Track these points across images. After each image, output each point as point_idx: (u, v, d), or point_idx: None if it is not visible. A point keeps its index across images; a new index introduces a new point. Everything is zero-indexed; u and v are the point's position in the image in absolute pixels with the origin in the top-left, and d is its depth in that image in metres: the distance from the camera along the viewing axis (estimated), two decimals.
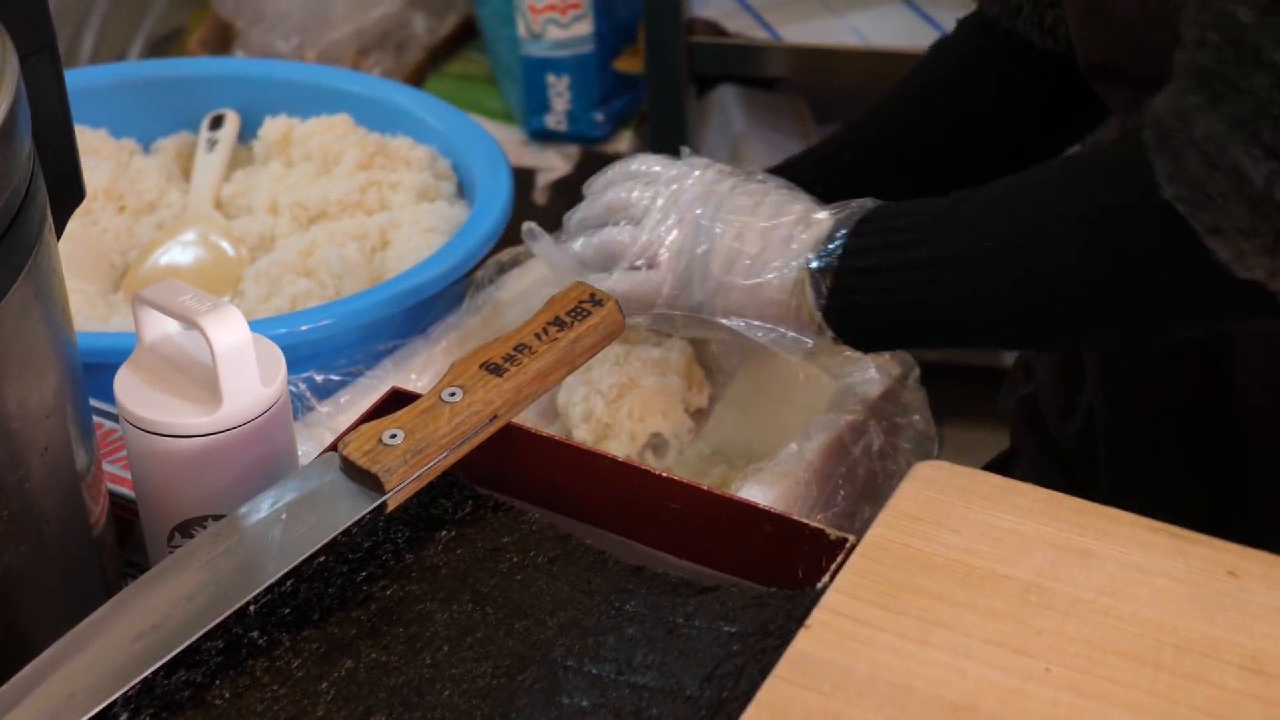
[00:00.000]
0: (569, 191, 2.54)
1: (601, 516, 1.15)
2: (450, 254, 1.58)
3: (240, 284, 1.68)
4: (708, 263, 1.24)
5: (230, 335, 1.08)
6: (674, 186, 1.28)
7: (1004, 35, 1.46)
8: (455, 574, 1.08)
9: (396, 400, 1.13)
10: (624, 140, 2.67)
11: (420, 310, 1.51)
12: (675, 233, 1.26)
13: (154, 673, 0.97)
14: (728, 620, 1.03)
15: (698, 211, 1.26)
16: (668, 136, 2.55)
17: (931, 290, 1.21)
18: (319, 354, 1.44)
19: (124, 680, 0.95)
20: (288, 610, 1.04)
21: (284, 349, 1.20)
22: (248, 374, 1.10)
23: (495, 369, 1.11)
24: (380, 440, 1.05)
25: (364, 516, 1.04)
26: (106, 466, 1.25)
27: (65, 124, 1.19)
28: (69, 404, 1.10)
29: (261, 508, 1.06)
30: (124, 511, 1.22)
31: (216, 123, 1.91)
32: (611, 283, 1.27)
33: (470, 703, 0.98)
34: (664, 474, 1.13)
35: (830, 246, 1.22)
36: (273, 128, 1.87)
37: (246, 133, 1.92)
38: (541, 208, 2.65)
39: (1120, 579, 1.00)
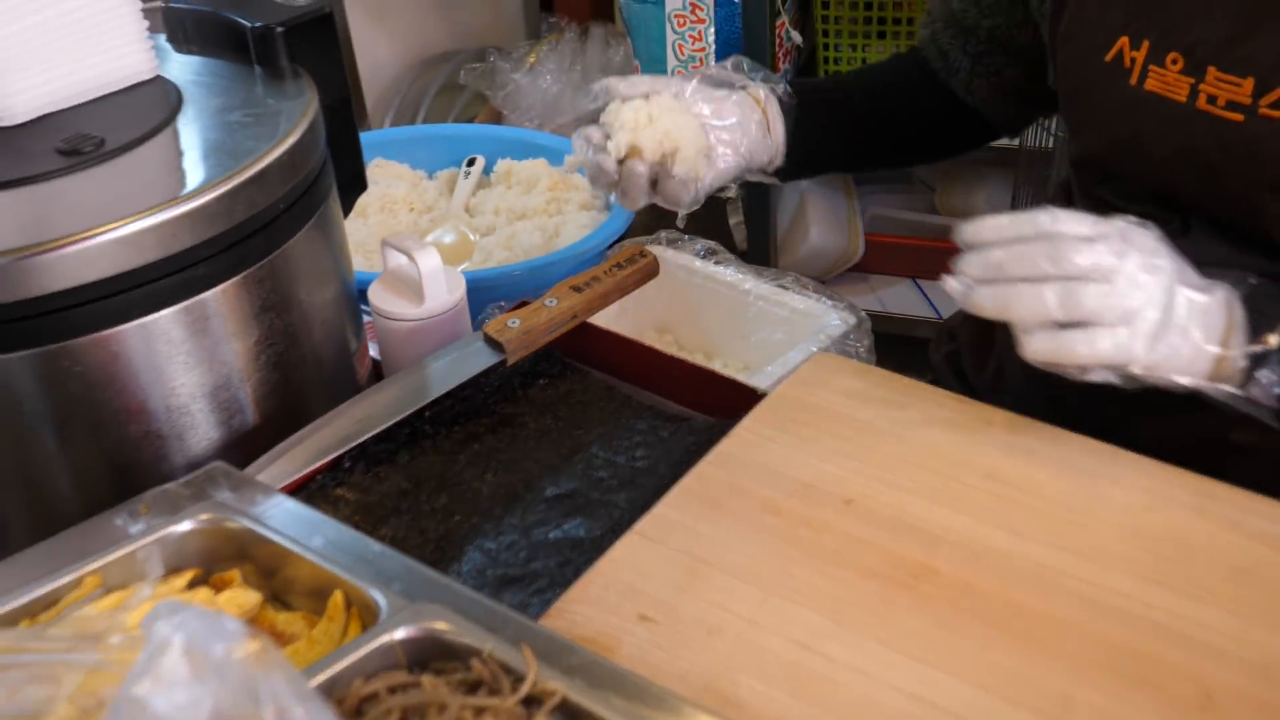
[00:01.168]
0: (698, 220, 2.59)
1: (634, 377, 1.27)
2: (588, 242, 1.73)
3: (473, 253, 1.85)
4: (1187, 328, 0.93)
5: (429, 262, 1.24)
6: (1132, 248, 0.93)
7: (935, 78, 1.40)
8: (544, 403, 1.23)
9: (522, 305, 1.27)
10: (732, 190, 2.58)
11: (570, 271, 1.59)
12: (1146, 295, 0.93)
13: (367, 440, 1.14)
14: (692, 434, 1.17)
15: (1159, 275, 0.93)
16: (760, 192, 2.58)
17: None
18: (513, 292, 1.49)
19: (352, 440, 1.13)
20: (445, 415, 1.21)
21: (485, 286, 1.36)
22: (438, 286, 1.25)
23: (577, 289, 1.25)
24: (506, 324, 1.21)
25: (493, 366, 1.19)
26: (371, 345, 1.36)
27: (354, 144, 1.32)
28: (344, 304, 1.21)
29: (438, 359, 1.22)
30: (378, 369, 1.35)
31: (471, 162, 2.08)
32: (1093, 345, 0.93)
33: (540, 469, 1.14)
34: (670, 354, 1.26)
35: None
36: (501, 165, 2.05)
37: (487, 169, 2.08)
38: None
39: (935, 423, 1.09)
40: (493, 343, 1.20)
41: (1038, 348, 0.95)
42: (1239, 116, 1.03)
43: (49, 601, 0.88)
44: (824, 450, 1.07)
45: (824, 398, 1.13)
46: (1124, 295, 0.92)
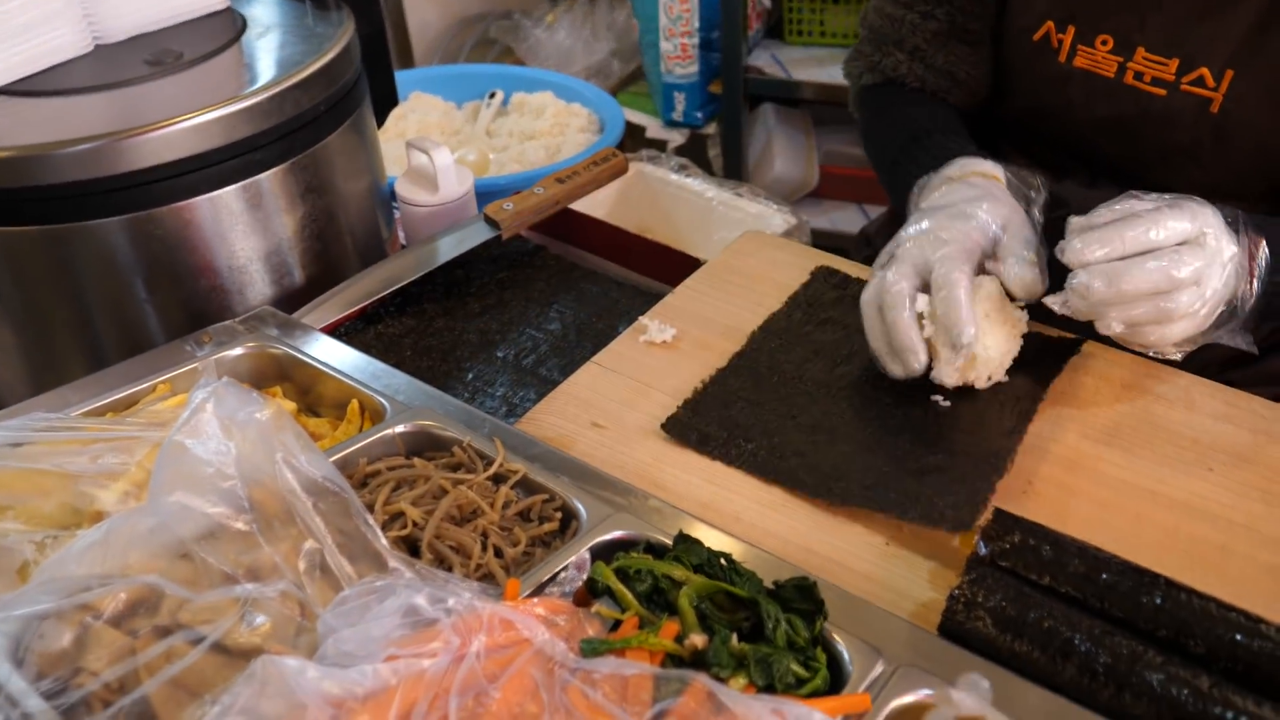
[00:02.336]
0: (684, 151, 2.60)
1: (609, 254, 1.29)
2: (580, 158, 1.70)
3: (489, 168, 1.86)
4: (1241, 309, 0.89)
5: (443, 158, 1.26)
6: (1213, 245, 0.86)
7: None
8: (538, 274, 1.25)
9: (517, 195, 1.27)
10: (711, 127, 2.66)
11: None
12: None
13: (388, 294, 1.15)
14: (641, 296, 1.20)
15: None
16: (734, 129, 2.59)
17: None
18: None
19: (376, 294, 1.14)
20: (454, 281, 1.23)
21: (497, 191, 1.36)
22: (450, 178, 1.27)
23: (560, 181, 1.26)
24: (502, 207, 1.23)
25: (490, 239, 1.22)
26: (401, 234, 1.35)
27: (386, 67, 1.32)
28: (375, 195, 1.24)
29: (448, 234, 1.23)
30: None
31: (492, 95, 2.08)
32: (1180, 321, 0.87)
33: (525, 318, 1.17)
34: (633, 232, 1.26)
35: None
36: (516, 98, 2.05)
37: (505, 101, 2.08)
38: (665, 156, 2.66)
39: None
40: (491, 222, 1.23)
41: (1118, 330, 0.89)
42: (1162, 91, 1.03)
43: (129, 402, 0.93)
44: (746, 302, 1.10)
45: (751, 264, 1.16)
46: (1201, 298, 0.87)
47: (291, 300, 1.15)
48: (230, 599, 0.63)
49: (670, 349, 1.04)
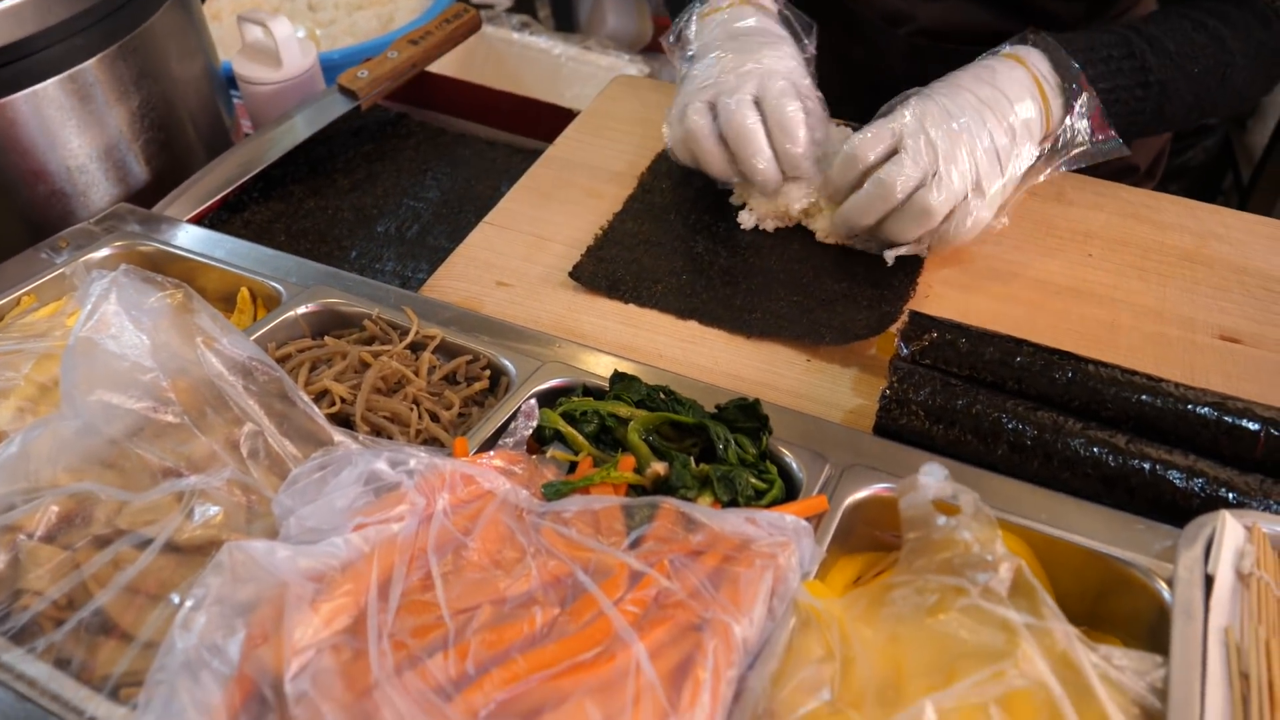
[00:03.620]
0: (513, 12, 2.50)
1: (475, 114, 1.25)
2: (418, 24, 1.60)
3: (320, 45, 1.73)
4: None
5: (282, 29, 1.17)
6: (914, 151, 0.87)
7: None
8: (406, 142, 1.20)
9: (368, 61, 1.21)
10: None
11: None
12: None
13: (247, 180, 1.09)
14: (518, 154, 1.17)
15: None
16: None
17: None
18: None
19: (236, 180, 1.08)
20: (317, 159, 1.17)
21: (334, 65, 1.29)
22: (293, 50, 1.19)
23: (414, 42, 1.20)
24: (356, 75, 1.16)
25: (349, 110, 1.15)
26: (245, 122, 1.28)
27: None
28: (212, 79, 1.16)
29: (300, 110, 1.16)
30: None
31: None
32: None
33: (401, 189, 1.12)
34: (498, 88, 1.23)
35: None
36: None
37: None
38: None
39: None
40: (347, 92, 1.16)
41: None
42: None
43: None
44: (629, 146, 1.09)
45: (626, 109, 1.15)
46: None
47: (141, 199, 1.07)
48: (172, 495, 0.60)
49: (561, 200, 1.03)
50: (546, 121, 1.16)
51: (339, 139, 1.19)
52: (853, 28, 1.16)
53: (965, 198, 0.87)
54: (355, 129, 1.21)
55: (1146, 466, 0.71)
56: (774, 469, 0.71)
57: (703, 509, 0.63)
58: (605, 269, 0.93)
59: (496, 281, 0.93)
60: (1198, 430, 0.74)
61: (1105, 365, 0.77)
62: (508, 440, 0.71)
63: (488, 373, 0.80)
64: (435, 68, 1.28)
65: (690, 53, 0.99)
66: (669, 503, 0.63)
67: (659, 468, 0.67)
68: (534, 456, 0.69)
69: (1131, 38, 0.94)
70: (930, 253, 0.92)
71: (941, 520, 0.57)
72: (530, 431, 0.71)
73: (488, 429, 0.72)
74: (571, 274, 0.91)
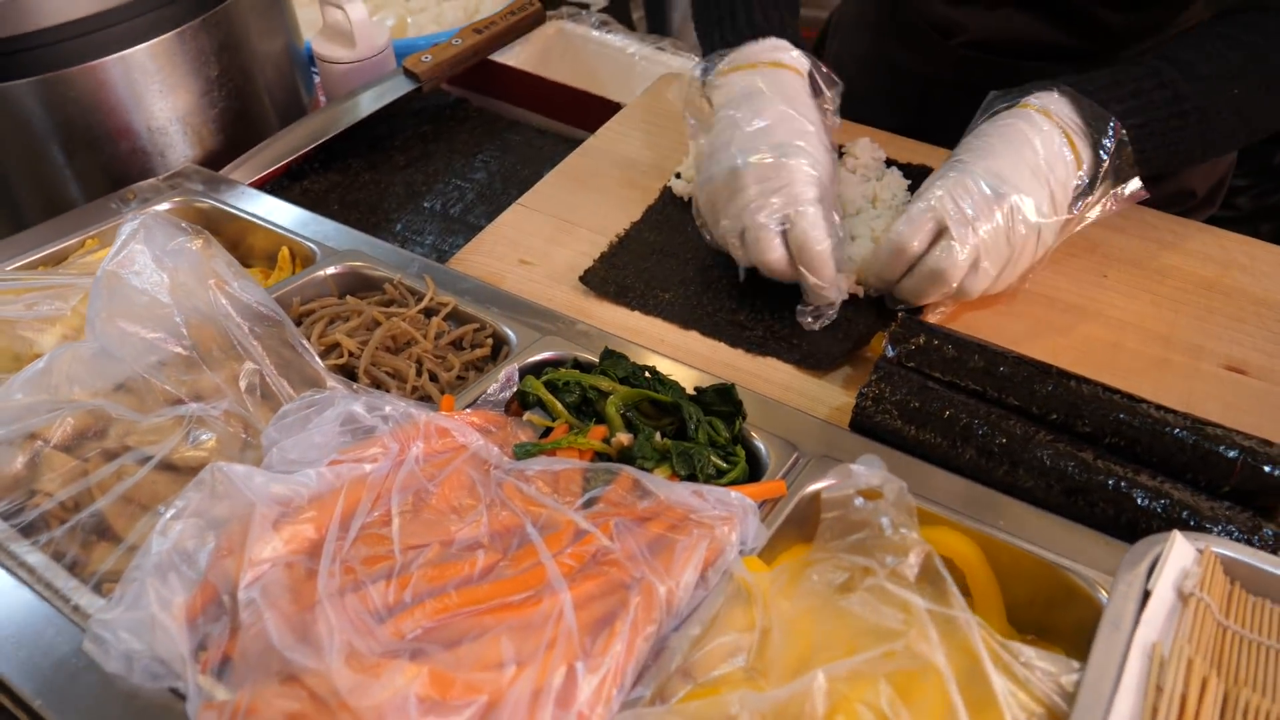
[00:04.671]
0: (608, 11, 2.52)
1: (531, 103, 1.30)
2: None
3: (409, 30, 1.82)
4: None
5: (357, 11, 1.24)
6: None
7: None
8: (461, 126, 1.26)
9: (435, 47, 1.28)
10: None
11: None
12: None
13: (311, 150, 1.16)
14: (564, 143, 1.22)
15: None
16: None
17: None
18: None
19: (299, 150, 1.15)
20: (378, 136, 1.24)
21: (411, 49, 1.33)
22: (367, 31, 1.26)
23: (478, 31, 1.27)
24: (421, 59, 1.23)
25: (411, 91, 1.22)
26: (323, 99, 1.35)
27: None
28: (292, 56, 1.24)
29: (367, 89, 1.23)
30: None
31: None
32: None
33: (448, 170, 1.19)
34: (552, 79, 1.27)
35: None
36: None
37: None
38: None
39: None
40: (410, 74, 1.23)
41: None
42: None
43: (59, 258, 0.94)
44: (666, 142, 1.12)
45: (670, 105, 1.18)
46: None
47: (214, 162, 1.15)
48: (175, 419, 0.66)
49: (593, 189, 1.07)
50: (597, 113, 1.21)
51: (400, 118, 1.26)
52: (904, 36, 1.16)
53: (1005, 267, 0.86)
54: (416, 110, 1.27)
55: (1110, 483, 0.72)
56: (742, 453, 0.74)
57: (657, 480, 0.67)
58: (616, 275, 0.96)
59: (520, 259, 0.98)
60: (1173, 453, 0.74)
61: (1087, 381, 0.78)
62: (488, 404, 0.75)
63: (490, 341, 0.85)
64: (508, 59, 1.34)
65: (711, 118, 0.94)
66: (627, 471, 0.67)
67: (624, 438, 0.71)
68: (513, 419, 0.74)
69: (1161, 67, 0.92)
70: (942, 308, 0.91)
71: (859, 502, 0.59)
72: (509, 395, 0.75)
73: (477, 390, 0.77)
74: (583, 279, 0.95)
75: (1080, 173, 0.87)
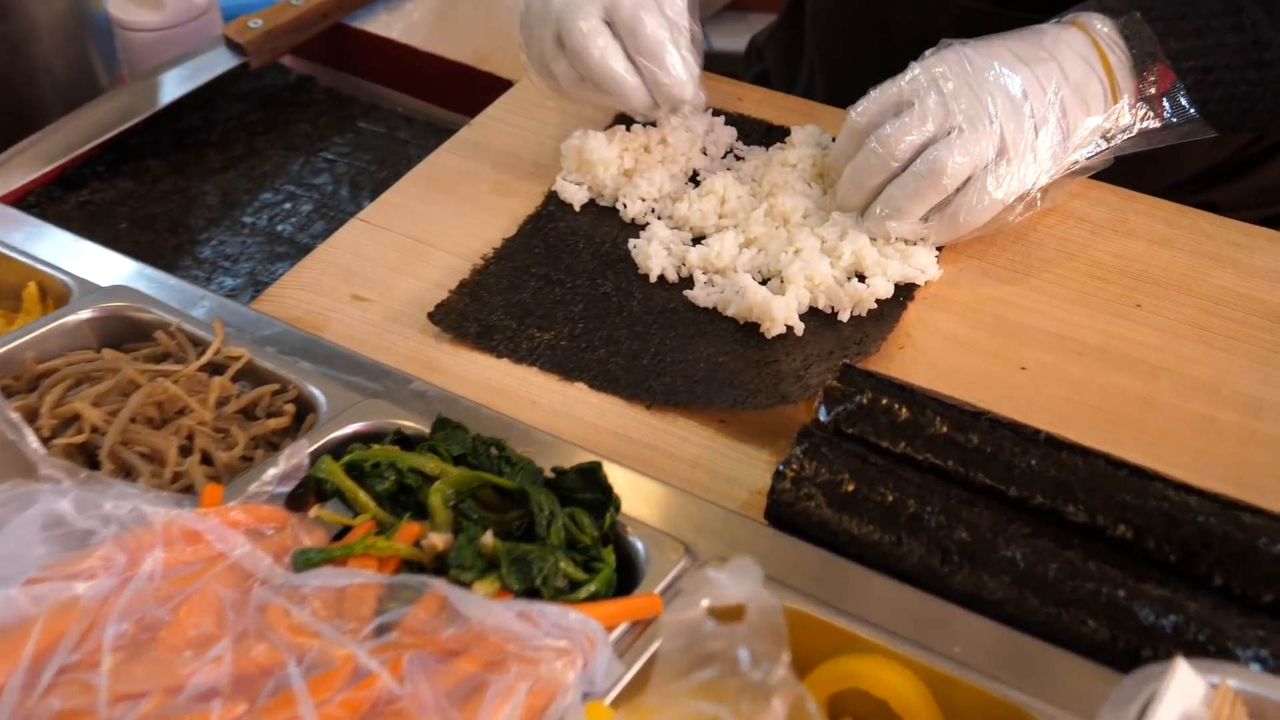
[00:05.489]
0: None
1: (398, 81, 1.32)
2: None
3: None
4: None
5: None
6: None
7: None
8: (303, 113, 1.28)
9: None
10: None
11: None
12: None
13: (94, 149, 1.17)
14: (435, 133, 1.23)
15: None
16: None
17: None
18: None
19: (77, 148, 1.16)
20: (188, 129, 1.25)
21: (241, 7, 1.34)
22: None
23: None
24: (247, 25, 1.24)
25: (234, 68, 1.23)
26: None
27: None
28: (80, 20, 1.24)
29: (176, 64, 1.25)
30: None
31: None
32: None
33: (278, 180, 1.20)
34: (431, 52, 1.30)
35: None
36: None
37: None
38: None
39: None
40: (234, 46, 1.24)
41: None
42: None
43: None
44: (563, 132, 1.13)
45: None
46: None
47: None
48: None
49: (460, 196, 1.08)
50: (484, 94, 1.22)
51: (220, 104, 1.27)
52: None
53: (987, 166, 0.92)
54: (243, 93, 1.29)
55: (1105, 591, 0.72)
56: (612, 557, 0.74)
57: (473, 598, 0.66)
58: (478, 311, 0.97)
59: (352, 294, 0.99)
60: (1195, 549, 0.74)
61: (1085, 452, 0.78)
62: (268, 494, 0.76)
63: (293, 407, 0.85)
64: (369, 24, 1.37)
65: None
66: (437, 586, 0.67)
67: (438, 540, 0.71)
68: (298, 516, 0.74)
69: (1242, 2, 0.95)
70: (937, 238, 0.97)
71: (709, 626, 0.59)
72: (297, 481, 0.76)
73: (257, 477, 0.77)
74: (433, 317, 0.96)
75: (1113, 93, 0.95)
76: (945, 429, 0.80)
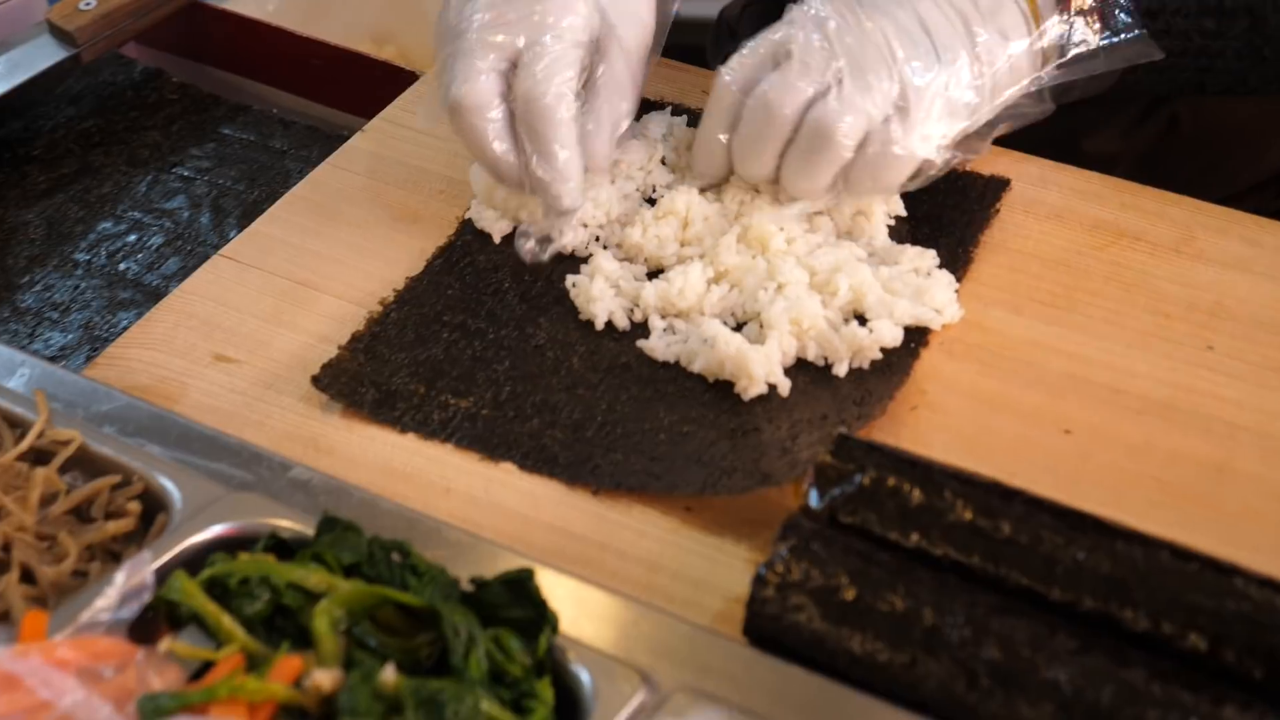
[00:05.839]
0: None
1: (274, 76, 1.33)
2: None
3: None
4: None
5: None
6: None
7: None
8: (152, 117, 1.28)
9: None
10: None
11: None
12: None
13: None
14: (321, 141, 1.24)
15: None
16: None
17: None
18: None
19: None
20: (3, 139, 1.25)
21: None
22: None
23: None
24: (78, 8, 1.23)
25: (63, 61, 1.23)
26: None
27: None
28: None
29: None
30: None
31: None
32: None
33: (118, 205, 1.20)
34: (314, 39, 1.30)
35: None
36: None
37: None
38: None
39: None
40: (61, 33, 1.24)
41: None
42: None
43: None
44: None
45: None
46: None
47: None
48: None
49: (352, 224, 1.09)
50: (381, 89, 1.22)
51: (45, 108, 1.27)
52: None
53: (888, 118, 0.96)
54: (75, 93, 1.29)
55: None
56: (548, 691, 0.74)
57: None
58: (376, 372, 0.97)
59: (215, 354, 0.99)
60: None
61: (1148, 541, 0.78)
62: (107, 622, 0.75)
63: (138, 506, 0.85)
64: (237, 4, 1.37)
65: None
66: None
67: (325, 679, 0.71)
68: (146, 650, 0.73)
69: None
70: (843, 204, 1.03)
71: None
72: (143, 604, 0.75)
73: (93, 600, 0.77)
74: (318, 381, 0.96)
75: (1035, 19, 0.99)
76: (969, 515, 0.80)
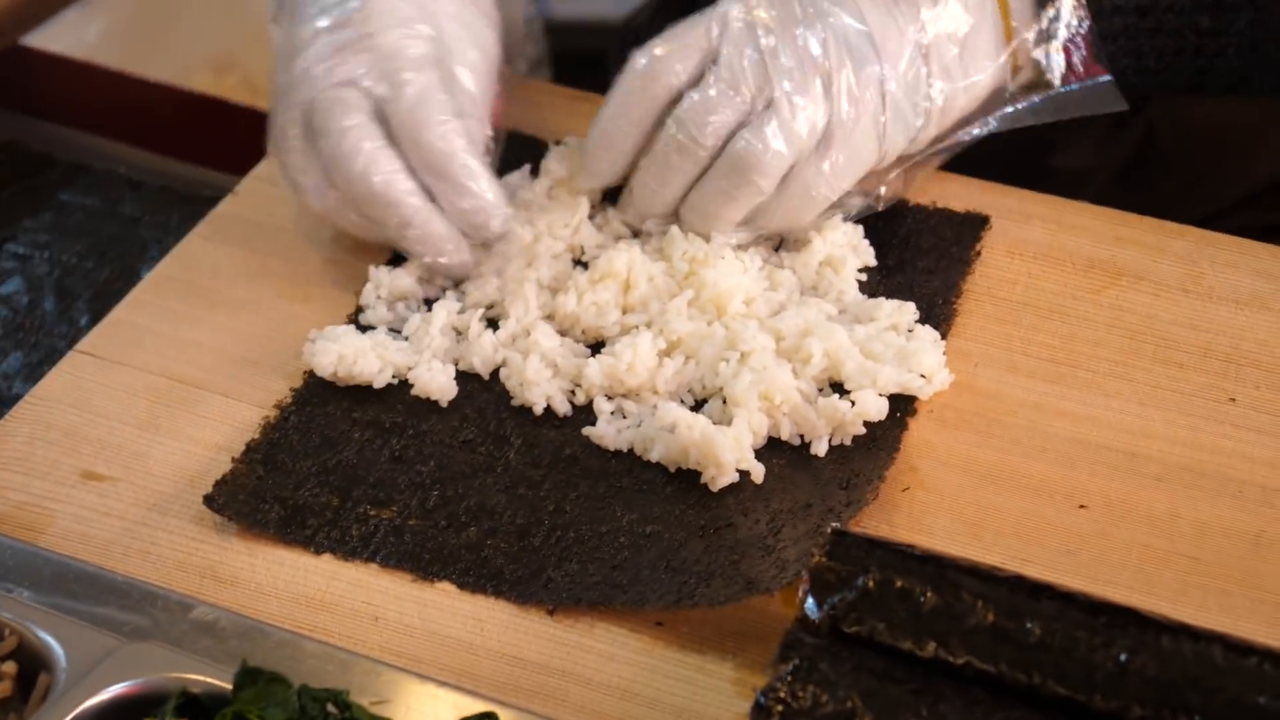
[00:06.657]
0: None
1: (121, 129, 1.31)
2: None
3: None
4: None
5: None
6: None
7: None
8: None
9: None
10: None
11: None
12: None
13: None
14: (184, 204, 1.23)
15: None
16: None
17: None
18: None
19: None
20: None
21: None
22: None
23: None
24: None
25: None
26: None
27: None
28: None
29: None
30: None
31: None
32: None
33: None
34: (173, 86, 1.29)
35: None
36: None
37: None
38: None
39: None
40: None
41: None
42: None
43: None
44: None
45: None
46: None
47: None
48: None
49: (233, 305, 1.08)
50: (242, 135, 1.21)
51: None
52: None
53: (819, 149, 0.98)
54: None
55: None
56: None
57: None
58: (279, 484, 0.97)
59: (83, 471, 0.97)
60: None
61: (1197, 635, 0.79)
62: None
63: (12, 667, 0.83)
64: (62, 44, 1.36)
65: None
66: None
67: None
68: None
69: None
70: (765, 241, 1.05)
71: None
72: None
73: None
74: (212, 501, 0.95)
75: (1007, 34, 1.02)
76: (991, 617, 0.80)
